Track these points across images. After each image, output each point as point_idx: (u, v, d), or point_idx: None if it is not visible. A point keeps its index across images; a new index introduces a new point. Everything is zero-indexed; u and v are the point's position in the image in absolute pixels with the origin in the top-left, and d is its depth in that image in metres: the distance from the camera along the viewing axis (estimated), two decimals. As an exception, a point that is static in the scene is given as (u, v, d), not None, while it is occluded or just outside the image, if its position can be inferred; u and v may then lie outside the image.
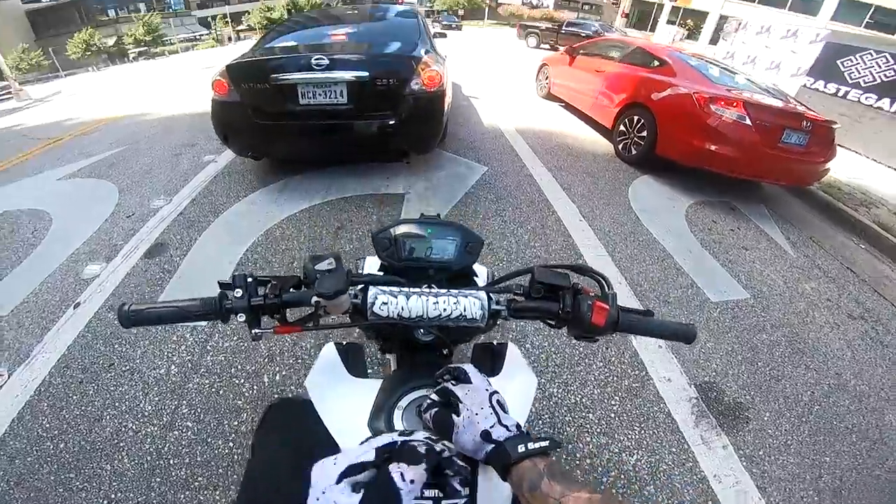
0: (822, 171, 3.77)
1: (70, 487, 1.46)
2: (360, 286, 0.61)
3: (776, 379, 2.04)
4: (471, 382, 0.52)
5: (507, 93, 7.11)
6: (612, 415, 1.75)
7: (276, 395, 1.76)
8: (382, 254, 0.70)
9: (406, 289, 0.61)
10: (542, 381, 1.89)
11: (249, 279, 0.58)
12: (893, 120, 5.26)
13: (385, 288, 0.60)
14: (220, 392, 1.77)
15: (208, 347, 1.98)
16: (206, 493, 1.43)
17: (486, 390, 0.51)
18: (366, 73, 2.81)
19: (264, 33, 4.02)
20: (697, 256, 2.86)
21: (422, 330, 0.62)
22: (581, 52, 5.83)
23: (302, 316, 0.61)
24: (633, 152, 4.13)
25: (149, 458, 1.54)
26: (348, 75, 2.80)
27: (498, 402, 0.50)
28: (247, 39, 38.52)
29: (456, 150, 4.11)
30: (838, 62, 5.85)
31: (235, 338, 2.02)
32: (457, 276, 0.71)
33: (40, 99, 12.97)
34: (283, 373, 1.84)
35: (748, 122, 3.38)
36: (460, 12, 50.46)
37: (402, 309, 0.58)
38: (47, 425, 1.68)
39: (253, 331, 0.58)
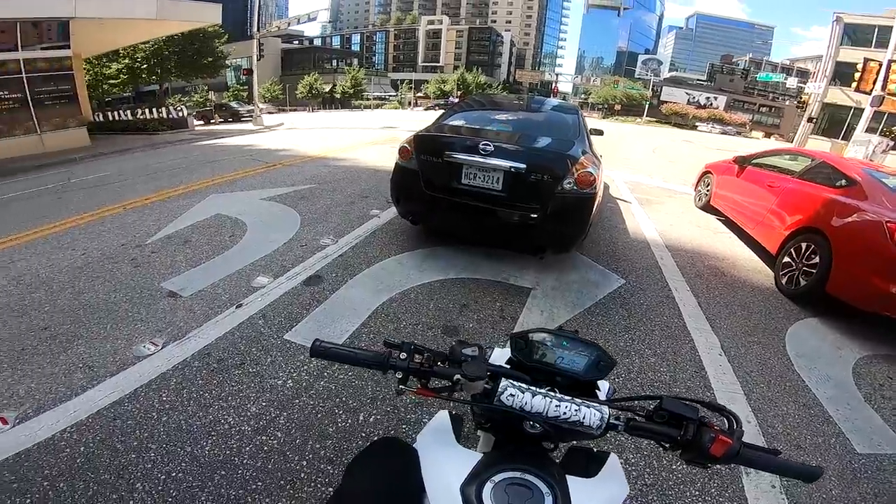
0: None
1: (144, 457, 1.59)
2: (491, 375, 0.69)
3: None
4: None
5: (661, 199, 6.70)
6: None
7: (370, 434, 1.78)
8: (516, 353, 0.75)
9: (533, 387, 0.66)
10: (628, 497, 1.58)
11: (412, 346, 0.71)
12: None
13: (515, 382, 0.66)
14: (318, 416, 1.84)
15: (325, 374, 2.09)
16: (256, 496, 1.47)
17: None
18: (523, 165, 2.98)
19: (445, 110, 4.53)
20: (855, 409, 2.24)
21: (531, 422, 0.65)
22: (753, 162, 5.21)
23: (439, 386, 0.71)
24: (800, 284, 3.41)
25: (227, 451, 1.63)
26: (506, 164, 2.99)
27: None
28: (421, 107, 45.12)
29: (593, 256, 3.86)
30: None
31: (350, 373, 2.14)
32: (580, 386, 0.74)
33: (268, 126, 17.13)
34: (378, 417, 1.87)
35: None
36: (616, 107, 51.31)
37: (526, 404, 0.64)
38: (164, 398, 1.88)
39: (400, 387, 0.70)
